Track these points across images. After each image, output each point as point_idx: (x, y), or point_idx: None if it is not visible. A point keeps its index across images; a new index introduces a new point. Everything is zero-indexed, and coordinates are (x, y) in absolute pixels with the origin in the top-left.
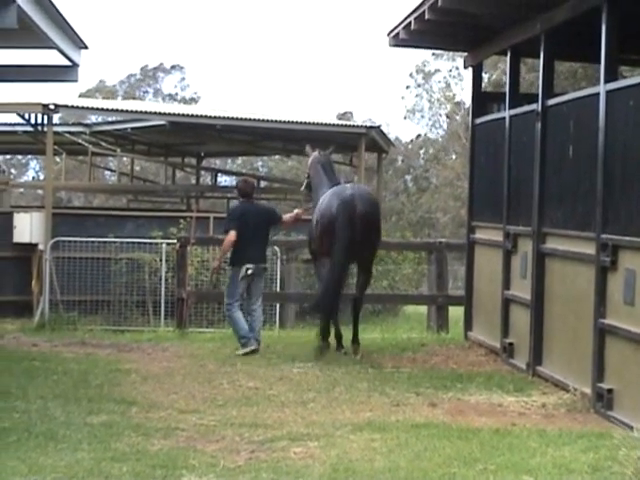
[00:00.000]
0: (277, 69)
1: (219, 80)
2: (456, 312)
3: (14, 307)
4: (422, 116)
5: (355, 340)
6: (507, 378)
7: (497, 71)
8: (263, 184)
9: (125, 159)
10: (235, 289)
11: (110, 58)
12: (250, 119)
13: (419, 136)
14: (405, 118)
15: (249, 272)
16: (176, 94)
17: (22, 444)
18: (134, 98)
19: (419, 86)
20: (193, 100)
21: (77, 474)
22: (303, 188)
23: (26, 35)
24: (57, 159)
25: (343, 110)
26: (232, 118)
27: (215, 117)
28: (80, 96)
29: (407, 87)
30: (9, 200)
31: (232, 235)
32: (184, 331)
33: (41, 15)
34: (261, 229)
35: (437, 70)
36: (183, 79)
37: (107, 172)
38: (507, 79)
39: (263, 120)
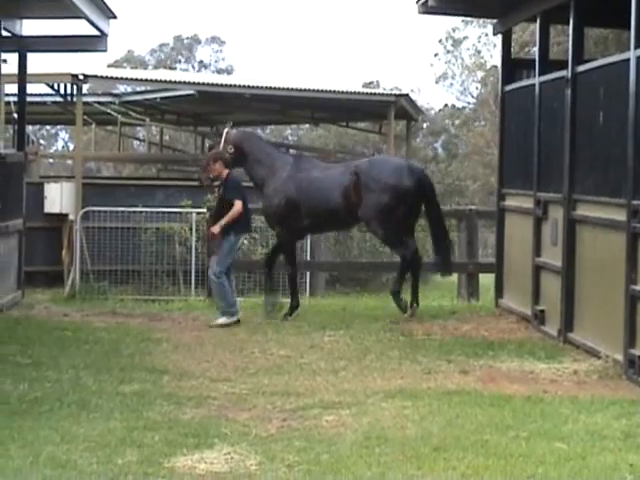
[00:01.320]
0: (306, 38)
1: (252, 52)
2: (486, 280)
3: (45, 277)
4: (451, 84)
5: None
6: (538, 345)
7: (524, 33)
8: (292, 152)
9: (154, 129)
10: (229, 258)
11: (138, 28)
12: (279, 88)
13: (447, 104)
14: (437, 83)
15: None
16: (210, 65)
17: (54, 413)
18: (166, 68)
19: (448, 52)
20: (226, 71)
21: (109, 443)
22: (220, 166)
23: (55, 5)
24: (86, 129)
25: (369, 79)
26: (261, 87)
27: (244, 86)
28: (109, 66)
29: (435, 55)
30: (38, 170)
31: (240, 205)
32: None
33: None
34: None
35: (466, 37)
36: (219, 51)
37: (136, 142)
38: (537, 45)
39: (292, 89)
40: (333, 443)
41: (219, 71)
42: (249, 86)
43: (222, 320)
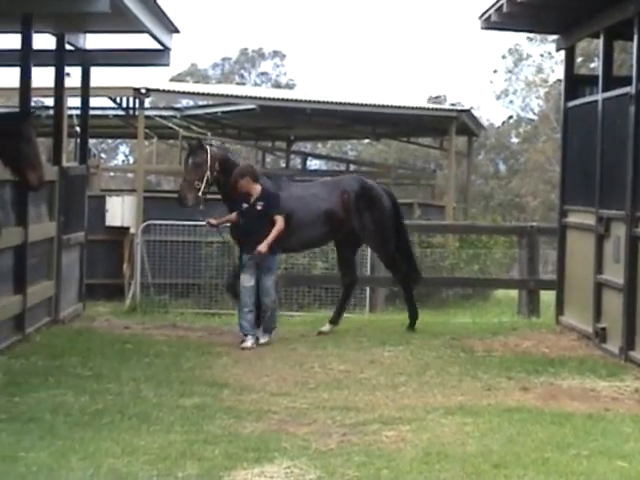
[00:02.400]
0: (371, 55)
1: (315, 67)
2: (547, 296)
3: (106, 290)
4: (511, 101)
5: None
6: (600, 363)
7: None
8: (352, 168)
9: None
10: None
11: (201, 42)
12: (340, 103)
13: (510, 117)
14: (498, 98)
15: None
16: (271, 79)
17: (115, 426)
18: (228, 82)
19: (510, 72)
20: (288, 86)
21: (170, 456)
22: (203, 185)
23: (118, 19)
24: (147, 143)
25: (435, 94)
26: (322, 102)
27: (305, 101)
28: (171, 80)
29: (494, 71)
30: (99, 184)
31: (282, 221)
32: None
33: None
34: None
35: (529, 54)
36: (280, 65)
37: None
38: (600, 62)
39: (353, 104)
40: (393, 459)
41: (280, 85)
42: (311, 101)
43: (265, 339)
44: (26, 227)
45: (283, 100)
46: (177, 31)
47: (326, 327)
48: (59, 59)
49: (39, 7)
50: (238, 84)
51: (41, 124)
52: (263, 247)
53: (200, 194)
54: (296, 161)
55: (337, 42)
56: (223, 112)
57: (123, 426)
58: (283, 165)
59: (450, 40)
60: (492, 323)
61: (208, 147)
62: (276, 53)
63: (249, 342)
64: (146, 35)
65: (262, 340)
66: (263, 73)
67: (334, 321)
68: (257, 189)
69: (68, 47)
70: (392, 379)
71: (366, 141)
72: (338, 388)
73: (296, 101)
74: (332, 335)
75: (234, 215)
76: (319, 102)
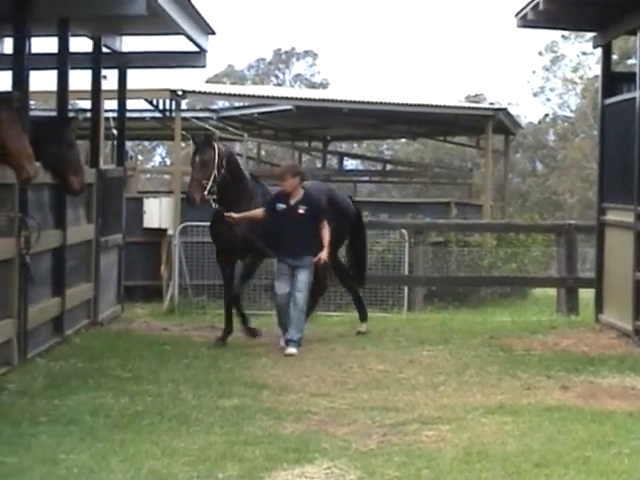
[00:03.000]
0: (407, 54)
1: (349, 66)
2: (586, 294)
3: (144, 292)
4: (548, 99)
5: None
6: None
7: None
8: (389, 167)
9: (250, 143)
10: None
11: (237, 43)
12: (376, 102)
13: (547, 115)
14: (535, 96)
15: None
16: (306, 79)
17: (155, 427)
18: (263, 83)
19: (547, 69)
20: (322, 86)
21: (210, 457)
22: (210, 183)
23: (154, 22)
24: (183, 144)
25: (473, 92)
26: (358, 102)
27: (341, 101)
28: (208, 81)
29: (533, 72)
30: (137, 186)
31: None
32: (313, 315)
33: (169, 1)
34: None
35: (565, 52)
36: (314, 65)
37: None
38: (637, 59)
39: (389, 103)
40: (433, 458)
41: (314, 85)
42: (347, 101)
43: (295, 350)
44: (64, 230)
45: (319, 100)
46: (213, 33)
47: (363, 327)
48: (96, 62)
49: (76, 11)
50: (273, 84)
51: (78, 127)
52: (325, 255)
53: (206, 192)
54: (332, 161)
55: (370, 40)
56: (259, 113)
57: (163, 428)
58: (319, 165)
59: (487, 38)
60: (531, 322)
61: (215, 144)
62: (307, 52)
63: (292, 350)
64: (182, 37)
65: (292, 351)
66: (297, 75)
67: (364, 318)
68: (300, 192)
69: (105, 50)
70: (431, 379)
71: (402, 140)
72: (377, 388)
73: (332, 101)
74: (370, 335)
75: (260, 211)
76: (356, 102)
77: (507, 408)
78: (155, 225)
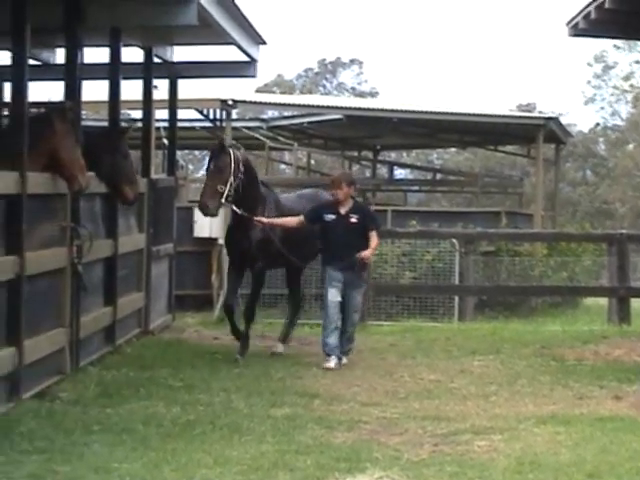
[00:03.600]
0: (457, 63)
1: (396, 74)
2: (637, 304)
3: (194, 301)
4: (602, 107)
5: None
6: None
7: None
8: (439, 176)
9: (300, 153)
10: None
11: (287, 52)
12: (427, 111)
13: (597, 125)
14: (586, 104)
15: None
16: (354, 88)
17: (207, 436)
18: (312, 92)
19: (598, 77)
20: (371, 94)
21: (262, 466)
22: (227, 189)
23: (206, 32)
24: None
25: (525, 101)
26: (409, 111)
27: (392, 110)
28: (257, 91)
29: (588, 82)
30: (187, 195)
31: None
32: (363, 324)
33: (220, 11)
34: None
35: (616, 60)
36: (360, 73)
37: (282, 165)
38: None
39: (440, 112)
40: (485, 468)
41: (363, 94)
42: (397, 110)
43: (340, 361)
44: (116, 239)
45: (369, 110)
46: (264, 42)
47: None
48: (147, 72)
49: (127, 21)
50: (322, 94)
51: (130, 136)
52: (367, 253)
53: (223, 200)
54: (382, 170)
55: (418, 49)
56: (309, 122)
57: (215, 437)
58: (368, 175)
59: (538, 47)
60: (582, 331)
61: (231, 150)
62: (353, 61)
63: (332, 362)
64: (232, 47)
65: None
66: (342, 83)
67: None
68: (350, 201)
69: (156, 60)
70: (483, 388)
71: (452, 149)
72: (429, 398)
73: (383, 110)
74: (421, 344)
75: (294, 220)
76: (406, 111)
77: (559, 418)
78: (206, 234)
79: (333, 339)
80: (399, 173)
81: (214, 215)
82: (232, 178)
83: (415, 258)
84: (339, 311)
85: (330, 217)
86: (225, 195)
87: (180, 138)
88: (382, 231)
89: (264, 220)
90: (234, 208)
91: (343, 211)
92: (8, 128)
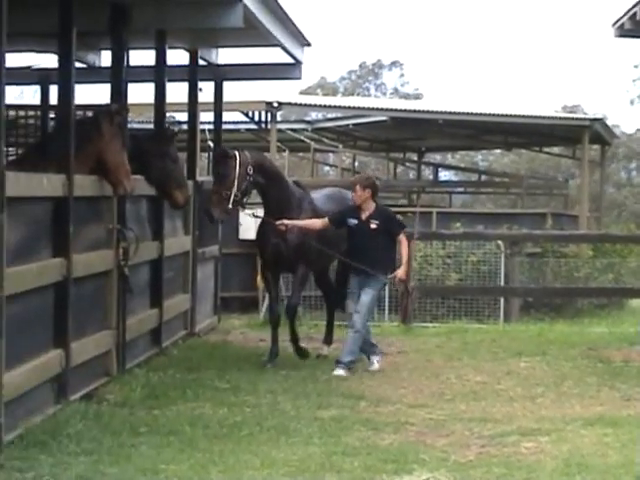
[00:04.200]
0: (499, 64)
1: (438, 76)
2: None
3: (240, 303)
4: None
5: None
6: None
7: None
8: (483, 178)
9: (344, 154)
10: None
11: (329, 55)
12: (472, 113)
13: None
14: (632, 105)
15: None
16: (396, 90)
17: (254, 438)
18: (354, 94)
19: None
20: (414, 96)
21: (309, 468)
22: (234, 194)
23: (251, 34)
24: (277, 156)
25: (570, 103)
26: (454, 112)
27: (437, 112)
28: (301, 93)
29: (633, 80)
30: None
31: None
32: (409, 326)
33: (266, 13)
34: None
35: None
36: (402, 75)
37: (326, 167)
38: None
39: (485, 114)
40: (533, 470)
41: (405, 96)
42: (443, 111)
43: (343, 372)
44: (162, 241)
45: (414, 111)
46: (308, 44)
47: (325, 350)
48: (192, 74)
49: (173, 23)
50: (365, 96)
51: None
52: (402, 273)
53: (230, 205)
54: (426, 172)
55: (462, 50)
56: (354, 124)
57: (262, 438)
58: (413, 176)
59: (584, 48)
60: (628, 333)
61: (236, 153)
62: (394, 63)
63: (342, 370)
64: (277, 49)
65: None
66: (383, 84)
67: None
68: (371, 206)
69: (201, 62)
70: (529, 390)
71: (497, 151)
72: (475, 399)
73: (428, 112)
74: (467, 346)
75: (318, 222)
76: (451, 113)
77: (607, 419)
78: (251, 236)
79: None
80: (444, 175)
81: (221, 221)
82: (238, 182)
83: (460, 260)
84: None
85: (353, 222)
86: (232, 200)
87: (225, 140)
88: (427, 233)
89: (286, 222)
90: (246, 212)
91: (364, 216)
92: (55, 131)
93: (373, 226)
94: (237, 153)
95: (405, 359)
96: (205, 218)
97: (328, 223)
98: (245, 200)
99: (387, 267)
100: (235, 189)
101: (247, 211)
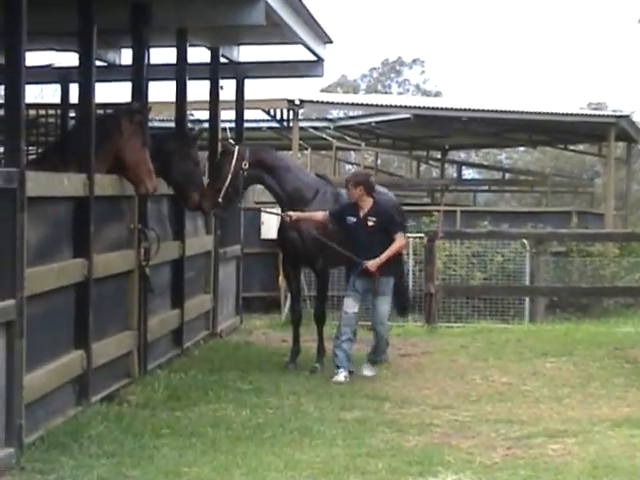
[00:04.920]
0: (522, 61)
1: (460, 73)
2: None
3: (262, 303)
4: None
5: None
6: None
7: None
8: (508, 176)
9: (367, 152)
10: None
11: (348, 53)
12: (497, 110)
13: None
14: None
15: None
16: (417, 87)
17: (277, 439)
18: (376, 92)
19: None
20: (434, 94)
21: (333, 470)
22: (226, 186)
23: (273, 31)
24: (299, 154)
25: (595, 100)
26: (478, 110)
27: (460, 109)
28: (321, 91)
29: None
30: (254, 196)
31: (403, 240)
32: (433, 326)
33: (288, 11)
34: None
35: None
36: (423, 72)
37: (348, 165)
38: None
39: (509, 111)
40: (560, 472)
41: (426, 93)
42: (467, 109)
43: (371, 372)
44: (183, 241)
45: (438, 109)
46: (330, 41)
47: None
48: (214, 72)
49: (194, 21)
50: (387, 93)
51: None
52: (372, 264)
53: (220, 199)
54: (450, 170)
55: (484, 47)
56: (377, 122)
57: (285, 440)
58: (436, 175)
59: (609, 45)
60: None
61: (233, 149)
62: (415, 61)
63: (341, 376)
64: (299, 46)
65: (367, 373)
66: (406, 81)
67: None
68: (368, 202)
69: (222, 60)
70: (555, 391)
71: (521, 149)
72: (501, 400)
73: (451, 109)
74: (492, 346)
75: (320, 214)
76: (475, 110)
77: (634, 421)
78: (273, 236)
79: (342, 352)
80: (467, 173)
81: (216, 215)
82: (231, 177)
83: (485, 259)
84: (354, 323)
85: (351, 220)
86: (222, 194)
87: (247, 139)
88: (451, 232)
89: (291, 214)
90: (240, 206)
91: (362, 214)
92: (75, 130)
93: (370, 224)
94: (235, 149)
95: (429, 360)
96: (229, 217)
97: (328, 216)
98: (241, 194)
99: (391, 267)
100: (227, 183)
101: (240, 205)
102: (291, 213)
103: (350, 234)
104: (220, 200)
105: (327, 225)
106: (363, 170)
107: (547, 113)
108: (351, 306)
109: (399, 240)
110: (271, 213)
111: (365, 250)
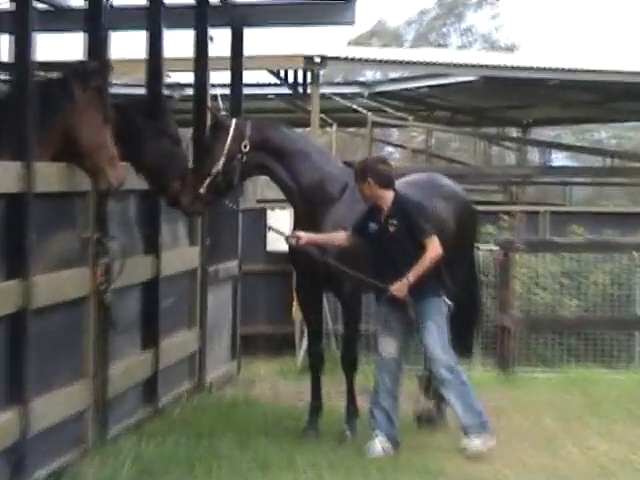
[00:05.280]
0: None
1: (542, 22)
2: None
3: (268, 342)
4: None
5: None
6: None
7: None
8: (613, 162)
9: (416, 130)
10: (446, 335)
11: None
12: (597, 71)
13: None
14: None
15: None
16: (486, 38)
17: None
18: (428, 45)
19: None
20: (509, 48)
21: None
22: (212, 175)
23: None
24: (320, 132)
25: None
26: (572, 70)
27: (548, 69)
28: (349, 44)
29: None
30: (256, 192)
31: (438, 242)
32: (509, 373)
33: None
34: None
35: None
36: (495, 16)
37: (389, 148)
38: None
39: (615, 72)
40: None
41: (498, 47)
42: (556, 68)
43: (479, 443)
44: (158, 255)
45: (516, 69)
46: None
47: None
48: (201, 18)
49: None
50: (442, 47)
51: (176, 109)
52: (398, 289)
53: (203, 190)
54: (533, 155)
55: None
56: (429, 87)
57: None
58: (513, 161)
59: None
60: None
61: (229, 122)
62: (483, 1)
63: (378, 445)
64: None
65: (476, 444)
66: (470, 29)
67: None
68: (387, 199)
69: (212, 0)
70: None
71: (630, 124)
72: (603, 478)
73: (535, 69)
74: (592, 402)
75: (341, 235)
76: (568, 70)
77: None
78: (284, 248)
79: (381, 411)
80: (557, 158)
81: (193, 212)
82: (224, 160)
83: (582, 280)
84: (396, 369)
85: (373, 227)
86: (207, 183)
87: (247, 110)
88: (535, 242)
89: (300, 235)
90: (227, 202)
91: (382, 217)
92: (7, 99)
93: (391, 229)
94: (231, 122)
95: (504, 420)
96: (219, 221)
97: (352, 235)
98: (237, 187)
99: (435, 283)
100: (217, 169)
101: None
102: (301, 234)
103: (371, 246)
104: (202, 191)
105: (353, 247)
106: (373, 156)
107: None
108: (386, 345)
109: (432, 247)
110: (276, 232)
111: (391, 267)
